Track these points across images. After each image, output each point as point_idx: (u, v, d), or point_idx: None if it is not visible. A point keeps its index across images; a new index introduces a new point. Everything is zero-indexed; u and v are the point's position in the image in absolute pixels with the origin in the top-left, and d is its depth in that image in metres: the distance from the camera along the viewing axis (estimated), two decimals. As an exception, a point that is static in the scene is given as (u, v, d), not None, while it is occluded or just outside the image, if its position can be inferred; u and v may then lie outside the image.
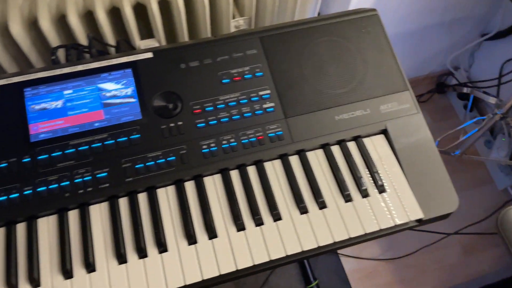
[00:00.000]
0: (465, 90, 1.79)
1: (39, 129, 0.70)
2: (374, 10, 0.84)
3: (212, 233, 0.67)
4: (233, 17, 1.08)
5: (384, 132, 0.78)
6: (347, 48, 0.81)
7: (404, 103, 0.79)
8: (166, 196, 0.71)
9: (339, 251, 1.57)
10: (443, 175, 0.75)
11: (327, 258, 1.55)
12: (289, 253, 0.67)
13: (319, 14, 1.23)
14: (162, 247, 0.66)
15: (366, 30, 0.82)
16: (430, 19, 1.53)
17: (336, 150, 0.76)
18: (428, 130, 0.78)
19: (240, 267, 0.66)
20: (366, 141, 0.77)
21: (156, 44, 0.97)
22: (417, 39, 1.62)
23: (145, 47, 0.97)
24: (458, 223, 1.60)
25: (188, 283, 0.64)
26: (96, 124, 0.72)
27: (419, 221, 0.73)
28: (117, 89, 0.74)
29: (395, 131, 0.77)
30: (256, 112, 0.76)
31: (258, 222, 0.69)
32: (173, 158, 0.71)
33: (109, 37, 0.99)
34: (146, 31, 1.13)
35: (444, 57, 1.82)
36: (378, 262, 1.58)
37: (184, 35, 1.06)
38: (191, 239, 0.67)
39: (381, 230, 0.70)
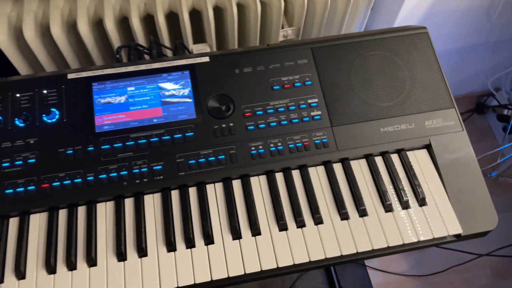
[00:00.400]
0: (505, 112, 1.77)
1: (104, 121, 0.76)
2: (424, 28, 0.86)
3: (256, 231, 0.71)
4: (282, 27, 1.13)
5: (427, 147, 0.80)
6: (396, 63, 0.83)
7: (449, 120, 0.80)
8: (214, 192, 0.75)
9: (366, 263, 1.58)
10: (483, 193, 0.76)
11: (354, 269, 1.56)
12: (328, 256, 0.70)
13: (365, 29, 1.26)
14: (209, 239, 0.70)
15: (415, 46, 0.84)
16: (475, 38, 1.52)
17: (379, 161, 0.78)
18: (472, 149, 0.79)
19: (280, 265, 0.69)
20: (409, 154, 0.79)
21: (208, 49, 1.02)
22: (460, 58, 1.62)
23: (197, 51, 1.02)
24: (490, 245, 1.58)
25: (231, 275, 0.68)
26: (155, 120, 0.77)
27: (457, 237, 0.74)
28: (175, 89, 0.80)
29: (438, 146, 0.79)
30: (303, 119, 0.79)
31: (300, 224, 0.72)
32: (223, 156, 0.76)
33: (165, 39, 1.06)
34: (197, 36, 1.18)
35: (486, 77, 1.81)
36: (405, 277, 1.58)
37: (234, 42, 1.11)
38: (236, 234, 0.71)
39: (419, 242, 0.72)
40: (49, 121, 0.75)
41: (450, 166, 0.78)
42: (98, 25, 1.05)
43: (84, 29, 0.97)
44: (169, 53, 1.05)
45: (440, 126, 0.80)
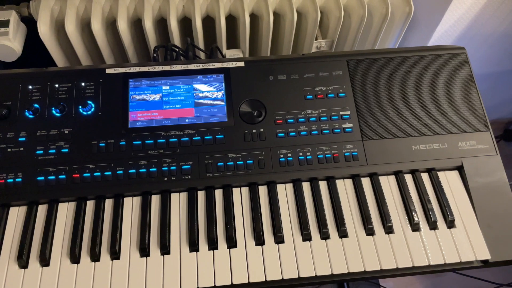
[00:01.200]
0: (535, 140, 1.73)
1: (137, 117, 0.77)
2: (462, 48, 0.85)
3: (279, 238, 0.70)
4: (316, 38, 1.13)
5: (459, 168, 0.78)
6: (432, 81, 0.82)
7: (484, 143, 0.79)
8: (240, 196, 0.75)
9: (381, 283, 1.55)
10: (515, 221, 0.74)
11: (368, 286, 1.53)
12: (351, 271, 0.68)
13: (398, 46, 1.25)
14: (232, 242, 0.70)
15: (453, 66, 0.83)
16: (508, 64, 1.50)
17: (408, 178, 0.77)
18: (505, 174, 0.77)
19: (302, 276, 0.68)
20: (440, 174, 0.78)
21: (241, 55, 1.03)
22: (491, 83, 1.59)
23: (230, 56, 1.03)
24: (509, 275, 1.53)
25: (252, 281, 0.67)
26: (187, 120, 0.78)
27: (485, 263, 0.72)
28: (209, 91, 0.80)
29: (471, 169, 0.77)
30: (334, 130, 0.79)
31: (325, 235, 0.71)
32: (251, 161, 0.76)
33: (200, 42, 1.07)
34: (230, 41, 1.20)
35: (517, 104, 1.77)
36: (420, 302, 1.54)
37: (267, 49, 1.12)
38: (259, 240, 0.70)
39: (445, 264, 0.70)
40: (84, 113, 0.77)
41: (482, 190, 0.76)
42: (136, 24, 1.07)
43: (123, 26, 0.99)
44: (202, 56, 1.06)
45: (473, 148, 0.78)
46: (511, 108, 1.81)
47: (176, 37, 1.04)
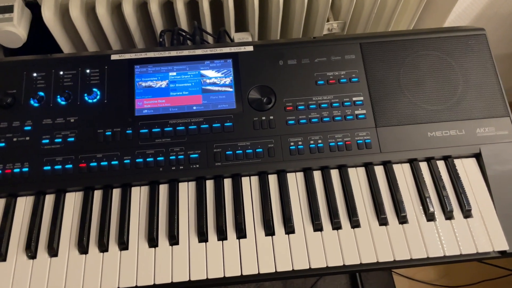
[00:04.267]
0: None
1: (144, 105, 0.75)
2: (482, 29, 0.81)
3: (290, 228, 0.69)
4: (327, 20, 1.09)
5: (477, 156, 0.75)
6: (449, 64, 0.79)
7: (503, 130, 0.75)
8: (249, 185, 0.73)
9: (393, 269, 1.54)
10: (534, 210, 0.72)
11: (379, 273, 1.52)
12: (363, 262, 0.67)
13: (413, 28, 1.20)
14: (241, 233, 0.69)
15: (471, 48, 0.79)
16: (528, 44, 1.44)
17: (424, 166, 0.75)
18: (525, 161, 0.74)
19: (313, 267, 0.67)
20: (457, 162, 0.75)
21: (250, 38, 0.99)
22: (509, 64, 1.53)
23: (239, 40, 1.00)
24: (525, 263, 1.51)
25: (261, 272, 0.66)
26: (194, 108, 0.76)
27: (503, 253, 0.70)
28: (217, 77, 0.78)
29: (489, 156, 0.74)
30: (347, 117, 0.76)
31: (337, 225, 0.69)
32: (261, 150, 0.74)
33: (208, 26, 1.04)
34: (239, 24, 1.16)
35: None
36: (432, 287, 1.53)
37: (277, 32, 1.09)
38: (269, 230, 0.69)
39: (461, 255, 0.68)
40: (90, 101, 0.75)
41: (500, 178, 0.73)
42: (142, 7, 1.04)
43: (129, 10, 0.97)
44: (210, 40, 1.04)
45: (492, 135, 0.75)
46: (529, 90, 1.75)
47: (183, 21, 1.01)
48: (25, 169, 0.71)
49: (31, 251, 0.66)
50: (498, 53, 1.43)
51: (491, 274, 1.51)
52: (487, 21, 1.26)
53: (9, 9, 0.96)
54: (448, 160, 0.75)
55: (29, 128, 0.73)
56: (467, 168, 0.75)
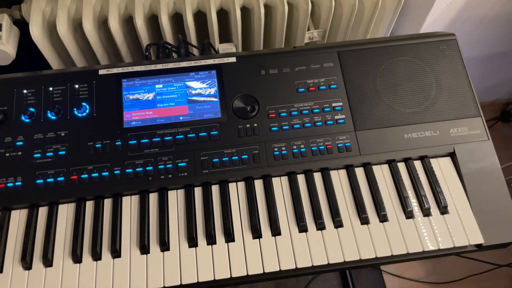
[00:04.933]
0: (532, 121, 1.73)
1: (132, 117, 0.78)
2: (453, 34, 0.86)
3: (276, 230, 0.72)
4: (308, 29, 1.13)
5: (451, 155, 0.79)
6: (422, 69, 0.83)
7: (475, 129, 0.80)
8: (236, 191, 0.76)
9: (382, 268, 1.57)
10: (507, 204, 0.76)
11: (369, 273, 1.55)
12: (347, 260, 0.70)
13: (391, 34, 1.25)
14: (229, 237, 0.71)
15: (443, 53, 0.84)
16: (503, 46, 1.49)
17: (401, 167, 0.78)
18: (497, 159, 0.78)
19: (299, 266, 0.70)
20: (433, 161, 0.79)
21: (234, 49, 1.03)
22: (486, 65, 1.59)
23: (223, 50, 1.03)
24: (510, 255, 1.55)
25: (250, 273, 0.69)
26: (181, 118, 0.79)
27: (478, 247, 0.73)
28: (202, 88, 0.81)
29: (463, 155, 0.78)
30: (327, 122, 0.80)
31: (321, 226, 0.73)
32: (246, 156, 0.77)
33: (193, 38, 1.07)
34: (223, 35, 1.20)
35: (513, 85, 1.77)
36: (421, 284, 1.56)
37: (260, 42, 1.12)
38: (256, 233, 0.72)
39: (439, 250, 0.72)
40: (79, 115, 0.78)
41: (474, 175, 0.77)
42: (128, 22, 1.07)
43: (115, 25, 1.00)
44: (195, 51, 1.07)
45: (465, 134, 0.79)
46: (507, 89, 1.81)
47: (168, 34, 1.04)
48: (18, 183, 0.73)
49: (26, 262, 0.68)
50: (475, 55, 1.49)
51: (477, 269, 1.55)
52: (461, 25, 1.31)
53: (-3, 27, 0.98)
54: (424, 160, 0.79)
55: (21, 143, 0.75)
56: (442, 167, 0.79)
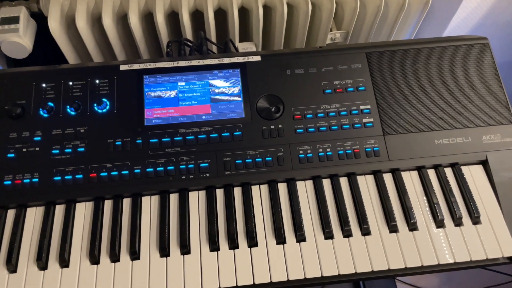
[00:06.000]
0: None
1: (153, 115, 0.75)
2: (485, 38, 0.83)
3: (301, 237, 0.69)
4: (330, 30, 1.10)
5: (483, 163, 0.76)
6: (454, 73, 0.80)
7: (509, 136, 0.77)
8: (259, 194, 0.74)
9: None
10: (541, 216, 0.73)
11: (383, 281, 1.52)
12: (375, 269, 0.67)
13: (414, 37, 1.22)
14: (252, 241, 0.69)
15: (475, 57, 0.81)
16: (525, 52, 1.46)
17: (431, 174, 0.75)
18: (531, 168, 0.75)
19: (325, 275, 0.67)
20: (464, 169, 0.76)
21: (254, 48, 1.01)
22: (509, 71, 1.56)
23: (243, 49, 1.01)
24: (527, 268, 1.52)
25: (274, 280, 0.66)
26: (204, 117, 0.76)
27: (511, 259, 0.70)
28: (225, 87, 0.79)
29: (496, 163, 0.75)
30: (354, 125, 0.77)
31: (347, 233, 0.70)
32: (270, 158, 0.74)
33: (212, 35, 1.05)
34: (242, 34, 1.17)
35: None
36: (435, 294, 1.53)
37: (280, 42, 1.10)
38: (280, 238, 0.69)
39: (471, 261, 0.69)
40: (99, 111, 0.75)
41: (507, 185, 0.74)
42: (147, 18, 1.05)
43: (134, 21, 0.97)
44: (214, 49, 1.04)
45: (498, 142, 0.76)
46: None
47: (188, 31, 1.02)
48: (35, 180, 0.71)
49: (42, 262, 0.66)
50: (499, 61, 1.46)
51: (493, 280, 1.51)
52: (486, 30, 1.28)
53: (14, 20, 0.96)
54: (455, 167, 0.76)
55: (38, 138, 0.73)
56: (474, 175, 0.76)
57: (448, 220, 0.71)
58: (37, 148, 0.73)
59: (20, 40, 0.95)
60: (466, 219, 0.71)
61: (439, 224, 0.70)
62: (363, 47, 0.82)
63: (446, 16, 1.18)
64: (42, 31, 1.00)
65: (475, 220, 0.71)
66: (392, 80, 0.80)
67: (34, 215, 0.71)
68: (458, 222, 0.71)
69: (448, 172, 0.76)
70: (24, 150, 0.72)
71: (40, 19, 1.00)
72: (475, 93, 0.79)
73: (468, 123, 0.77)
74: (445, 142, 0.76)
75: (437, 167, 0.76)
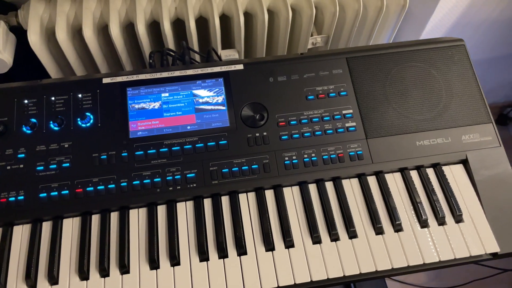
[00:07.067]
0: (529, 124, 1.74)
1: (138, 127, 0.76)
2: (461, 40, 0.85)
3: (289, 243, 0.70)
4: (311, 35, 1.12)
5: (464, 162, 0.78)
6: (432, 75, 0.82)
7: (487, 135, 0.79)
8: (247, 201, 0.74)
9: (384, 274, 1.56)
10: (521, 211, 0.75)
11: (372, 280, 1.54)
12: (363, 272, 0.68)
13: (393, 40, 1.24)
14: (242, 249, 0.69)
15: (452, 59, 0.83)
16: (501, 50, 1.50)
17: (414, 175, 0.77)
18: (509, 165, 0.77)
19: (314, 279, 0.68)
20: (445, 169, 0.78)
21: (237, 55, 1.01)
22: (484, 69, 1.60)
23: (226, 57, 1.01)
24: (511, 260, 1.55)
25: (264, 287, 0.67)
26: (189, 127, 0.76)
27: (494, 255, 0.72)
28: (209, 96, 0.79)
29: (475, 162, 0.77)
30: (338, 130, 0.78)
31: (334, 237, 0.71)
32: (256, 166, 0.75)
33: (194, 44, 1.05)
34: (224, 41, 1.18)
35: (510, 89, 1.78)
36: (424, 290, 1.55)
37: (262, 48, 1.11)
38: (269, 245, 0.70)
39: (455, 259, 0.70)
40: (83, 125, 0.75)
41: (487, 182, 0.76)
42: (128, 28, 1.05)
43: (116, 32, 0.97)
44: (197, 58, 1.05)
45: (477, 141, 0.78)
46: (504, 93, 1.82)
47: (170, 40, 1.02)
48: (21, 197, 0.70)
49: (31, 280, 0.65)
50: (474, 59, 1.49)
51: (480, 274, 1.55)
52: (462, 29, 1.31)
53: (-7, 34, 0.95)
54: (437, 167, 0.77)
55: (22, 155, 0.73)
56: (455, 174, 0.77)
57: (431, 220, 0.73)
58: (21, 165, 0.72)
59: (0, 55, 0.94)
60: (449, 218, 0.73)
61: (423, 224, 0.72)
62: (343, 53, 0.83)
63: (423, 17, 1.21)
64: (22, 45, 0.99)
65: (458, 218, 0.73)
66: (372, 84, 0.81)
67: (21, 233, 0.70)
68: (441, 221, 0.72)
69: (430, 172, 0.77)
70: (8, 167, 0.72)
71: (19, 32, 0.99)
72: (454, 94, 0.81)
73: (447, 123, 0.79)
74: (426, 143, 0.78)
75: (419, 168, 0.77)
